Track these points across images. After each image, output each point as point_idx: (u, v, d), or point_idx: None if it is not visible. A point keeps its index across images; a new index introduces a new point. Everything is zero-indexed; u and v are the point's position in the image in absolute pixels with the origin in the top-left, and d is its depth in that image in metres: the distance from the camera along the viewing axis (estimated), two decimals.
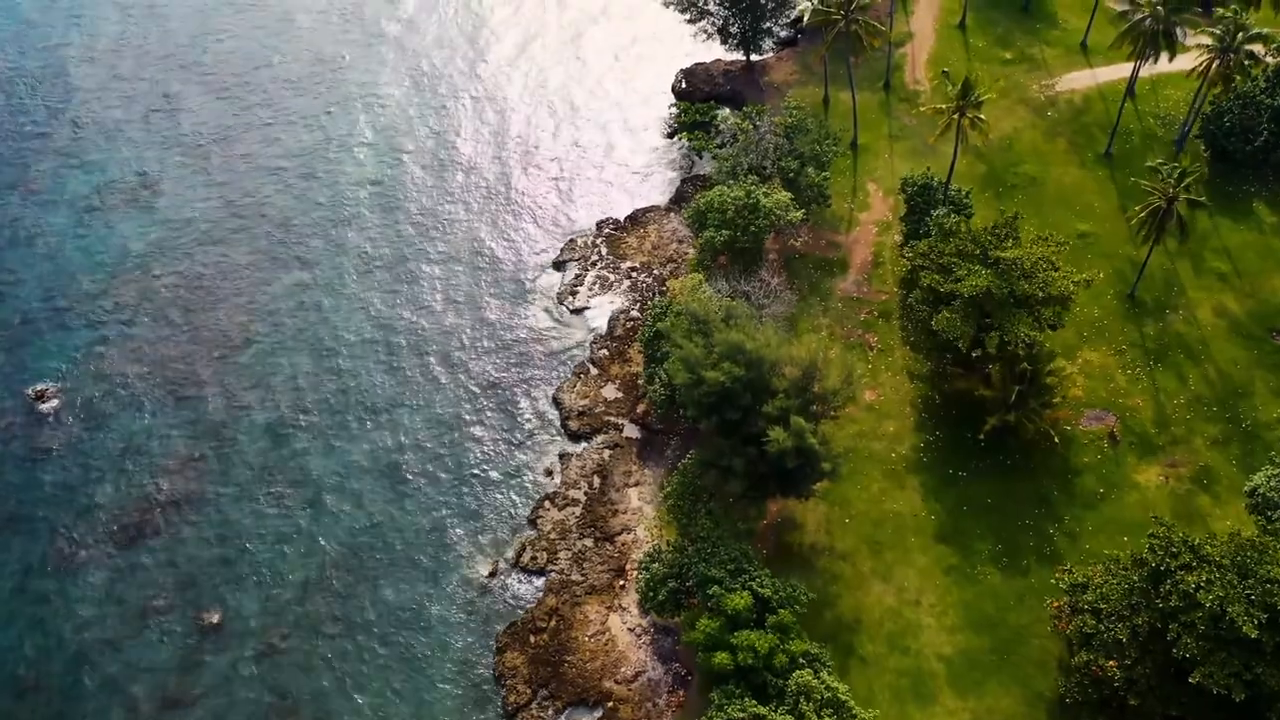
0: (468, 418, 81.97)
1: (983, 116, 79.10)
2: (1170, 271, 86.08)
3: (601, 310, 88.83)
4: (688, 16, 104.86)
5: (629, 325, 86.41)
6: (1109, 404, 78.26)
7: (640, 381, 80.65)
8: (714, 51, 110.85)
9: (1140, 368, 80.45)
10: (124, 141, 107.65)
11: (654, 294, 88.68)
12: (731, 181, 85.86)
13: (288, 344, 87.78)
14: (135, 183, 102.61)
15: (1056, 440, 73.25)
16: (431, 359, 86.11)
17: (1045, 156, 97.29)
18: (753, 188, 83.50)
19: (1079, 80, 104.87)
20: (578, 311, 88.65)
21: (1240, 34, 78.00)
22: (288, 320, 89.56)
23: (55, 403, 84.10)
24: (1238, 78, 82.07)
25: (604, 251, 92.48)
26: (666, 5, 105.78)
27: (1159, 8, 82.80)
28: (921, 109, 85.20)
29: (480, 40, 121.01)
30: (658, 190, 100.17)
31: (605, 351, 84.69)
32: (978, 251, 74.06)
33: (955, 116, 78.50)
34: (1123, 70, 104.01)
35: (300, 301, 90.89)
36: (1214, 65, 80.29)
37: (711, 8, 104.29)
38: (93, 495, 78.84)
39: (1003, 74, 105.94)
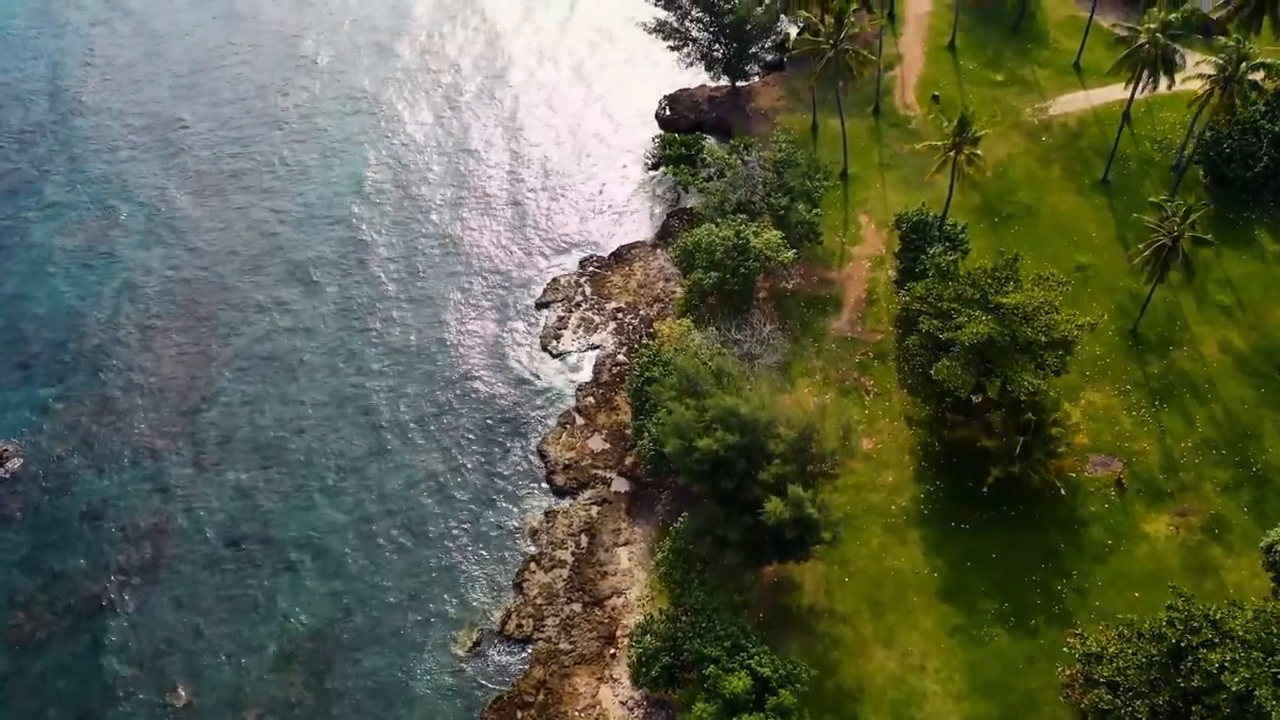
0: (448, 473, 78.46)
1: (979, 153, 76.11)
2: (1173, 305, 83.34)
3: (587, 354, 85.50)
4: (670, 44, 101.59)
5: (615, 370, 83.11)
6: (1114, 448, 75.44)
7: (628, 432, 77.37)
8: (699, 76, 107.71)
9: (1145, 409, 77.70)
10: (90, 181, 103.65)
11: (641, 336, 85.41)
12: (719, 219, 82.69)
13: (257, 396, 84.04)
14: (102, 225, 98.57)
15: (1062, 491, 70.38)
16: (408, 411, 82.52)
17: (1040, 184, 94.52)
18: (741, 227, 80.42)
19: (1073, 103, 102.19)
20: (562, 356, 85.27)
21: (1243, 64, 75.28)
22: (257, 371, 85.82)
23: (15, 463, 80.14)
24: (1239, 106, 79.32)
25: (588, 291, 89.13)
26: (650, 32, 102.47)
27: (1158, 35, 80.00)
28: (917, 147, 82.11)
29: (461, 67, 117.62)
30: (642, 224, 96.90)
31: (591, 399, 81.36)
32: (977, 296, 71.16)
33: (951, 154, 75.41)
34: (1117, 91, 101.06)
35: (270, 350, 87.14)
36: (1215, 95, 77.53)
37: (695, 34, 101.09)
38: (54, 563, 74.95)
39: (994, 97, 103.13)
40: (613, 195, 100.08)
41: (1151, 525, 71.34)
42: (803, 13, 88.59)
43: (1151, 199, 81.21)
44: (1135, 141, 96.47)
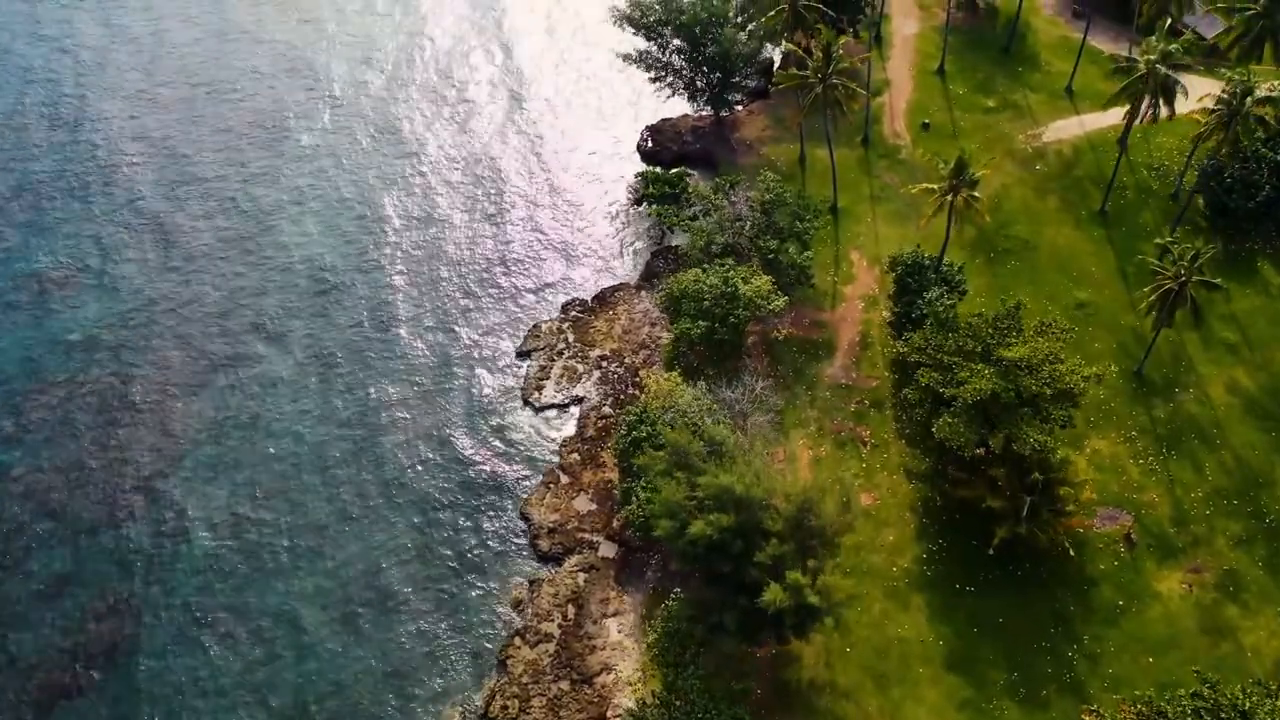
0: (426, 539, 74.53)
1: (977, 195, 72.89)
2: (1177, 344, 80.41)
3: (571, 407, 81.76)
4: (652, 75, 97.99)
5: (601, 424, 79.41)
6: (1122, 500, 72.40)
7: (615, 491, 73.75)
8: (682, 105, 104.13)
9: (1153, 457, 74.70)
10: (44, 230, 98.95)
11: (626, 386, 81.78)
12: (706, 265, 79.19)
13: (223, 459, 79.77)
14: (62, 275, 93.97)
15: (1070, 551, 67.21)
16: (384, 470, 78.45)
17: (1037, 216, 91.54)
18: (730, 273, 76.95)
19: (1066, 129, 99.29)
20: (545, 409, 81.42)
21: (1248, 98, 72.37)
22: (223, 431, 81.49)
23: None
24: (1243, 140, 76.48)
25: (571, 338, 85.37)
26: (628, 63, 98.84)
27: (1158, 66, 77.01)
28: (913, 191, 78.84)
29: (433, 100, 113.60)
30: (626, 264, 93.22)
31: (576, 455, 77.64)
32: (979, 349, 67.96)
33: (948, 198, 72.15)
34: (1111, 116, 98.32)
35: (237, 409, 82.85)
36: (1218, 130, 74.59)
37: (676, 63, 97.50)
38: (9, 646, 70.50)
39: (986, 124, 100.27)
40: (594, 234, 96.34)
41: (1164, 583, 68.33)
42: (788, 45, 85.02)
43: (1157, 240, 78.42)
44: (1132, 169, 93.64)
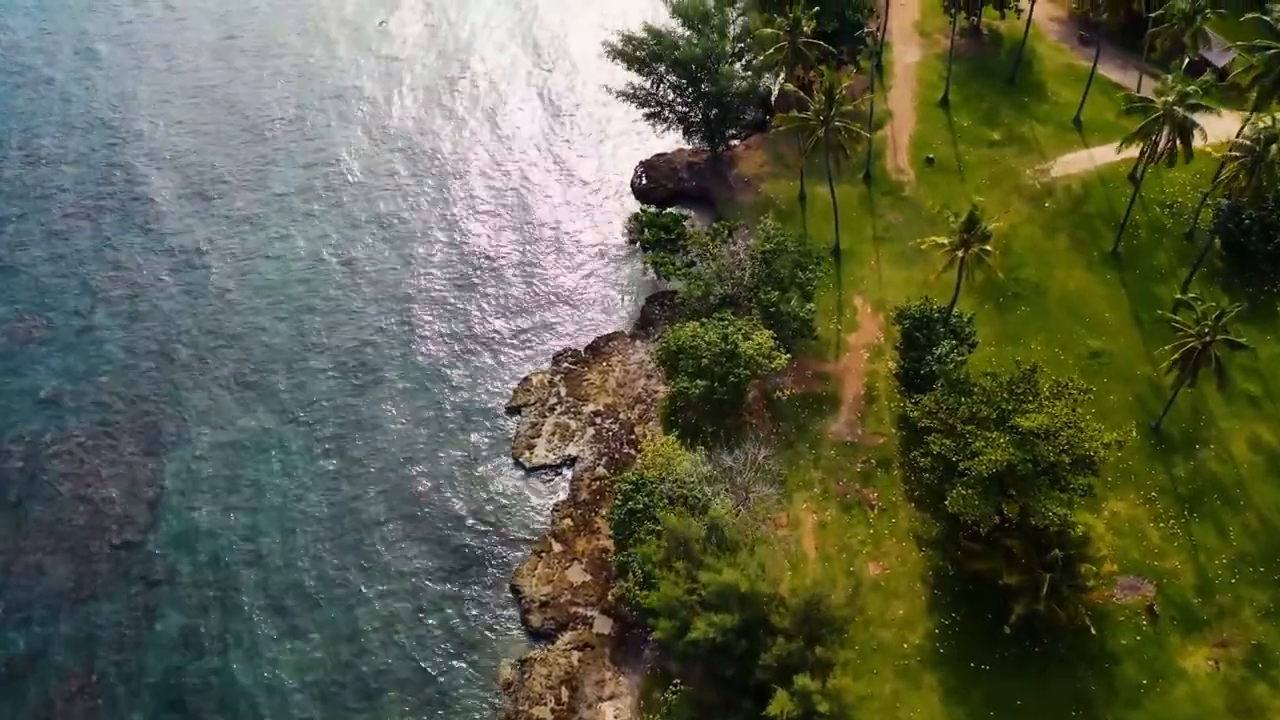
0: (412, 613, 70.74)
1: (990, 248, 69.32)
2: (1196, 397, 76.86)
3: (563, 468, 77.94)
4: (646, 111, 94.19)
5: (595, 486, 75.69)
6: (1143, 567, 68.96)
7: (610, 560, 70.01)
8: (677, 139, 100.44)
9: (1174, 519, 71.26)
10: (15, 269, 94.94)
11: (622, 444, 78.10)
12: (704, 319, 75.50)
13: (199, 524, 75.88)
14: (24, 325, 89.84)
15: (1091, 630, 63.65)
16: (368, 538, 74.62)
17: (1046, 257, 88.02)
18: (729, 329, 73.26)
19: (1075, 163, 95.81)
20: (536, 470, 77.62)
21: (1273, 145, 68.91)
22: (199, 493, 77.59)
23: None
24: (1266, 185, 73.05)
25: (563, 392, 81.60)
26: (620, 98, 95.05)
27: (1176, 108, 73.52)
28: (922, 247, 75.25)
29: (423, 135, 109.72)
30: (620, 311, 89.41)
31: (569, 521, 73.91)
32: (993, 415, 64.37)
33: (959, 253, 68.55)
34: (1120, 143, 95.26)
35: (213, 469, 78.92)
36: (1241, 178, 71.11)
37: (671, 98, 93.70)
38: None
39: (991, 158, 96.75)
40: (587, 277, 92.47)
41: (1189, 659, 64.91)
42: (788, 86, 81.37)
43: (1178, 295, 74.78)
44: (1144, 206, 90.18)
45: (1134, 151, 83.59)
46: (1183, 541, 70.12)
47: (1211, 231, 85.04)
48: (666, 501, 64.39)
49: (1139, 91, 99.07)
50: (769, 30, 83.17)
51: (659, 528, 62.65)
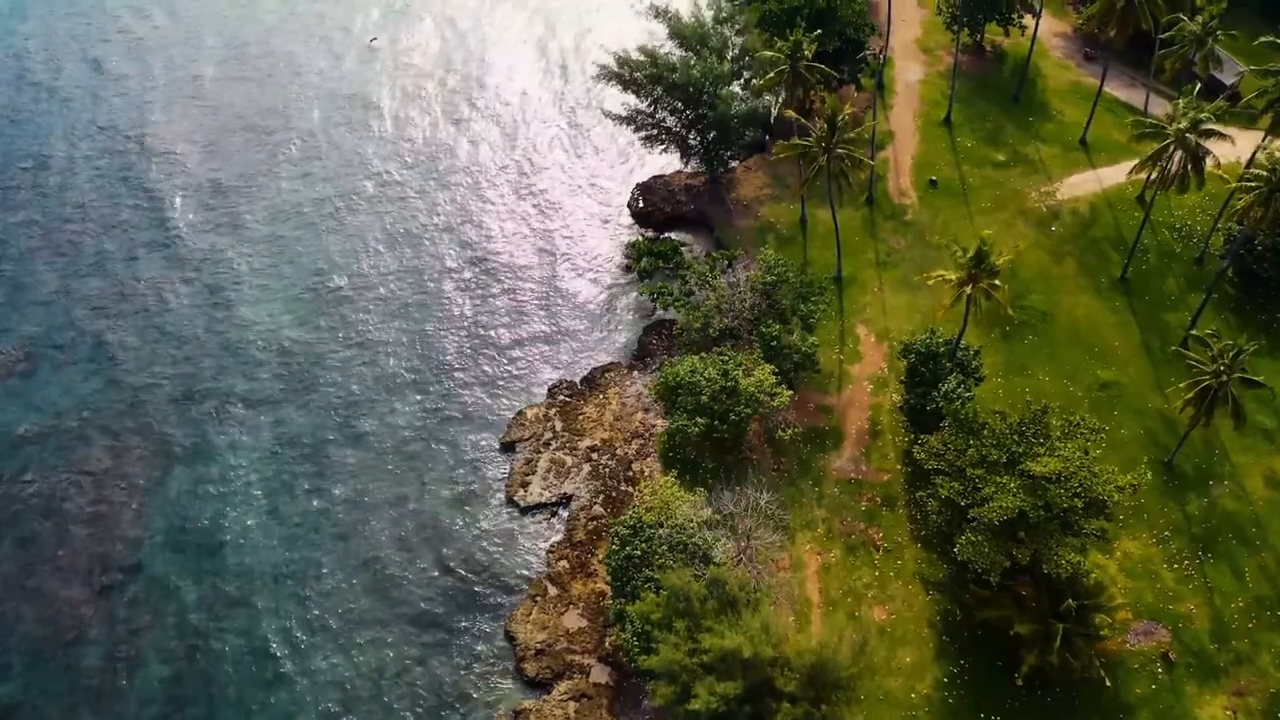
0: (403, 661, 68.44)
1: (999, 283, 67.15)
2: (1209, 430, 74.21)
3: (559, 507, 75.57)
4: (643, 134, 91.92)
5: (591, 526, 73.44)
6: (1157, 611, 66.81)
7: (607, 604, 67.78)
8: (675, 160, 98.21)
9: (1189, 560, 69.16)
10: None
11: (619, 481, 75.86)
12: (703, 354, 73.31)
13: (185, 566, 73.52)
14: (8, 353, 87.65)
15: (1106, 681, 61.46)
16: (355, 583, 72.21)
17: (1053, 283, 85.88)
18: (730, 364, 71.05)
19: (1082, 184, 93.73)
20: (530, 510, 75.29)
21: None
22: (181, 535, 75.22)
23: None
24: None
25: (558, 426, 79.31)
26: (616, 121, 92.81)
27: (1189, 135, 71.39)
28: (929, 283, 73.04)
29: (411, 154, 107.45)
30: (616, 341, 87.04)
31: (565, 563, 71.66)
32: (1003, 459, 62.21)
33: (967, 288, 66.38)
34: (1129, 170, 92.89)
35: (196, 510, 76.48)
36: (1257, 208, 68.97)
37: (668, 121, 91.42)
38: None
39: (996, 179, 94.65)
40: (582, 305, 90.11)
41: (1206, 709, 62.77)
42: (790, 113, 79.17)
43: (1194, 332, 72.72)
44: (1153, 230, 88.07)
45: (1143, 173, 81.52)
46: (1198, 584, 68.02)
47: (1223, 257, 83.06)
48: (665, 548, 62.15)
49: (1146, 109, 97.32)
50: (769, 53, 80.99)
51: (657, 575, 60.51)
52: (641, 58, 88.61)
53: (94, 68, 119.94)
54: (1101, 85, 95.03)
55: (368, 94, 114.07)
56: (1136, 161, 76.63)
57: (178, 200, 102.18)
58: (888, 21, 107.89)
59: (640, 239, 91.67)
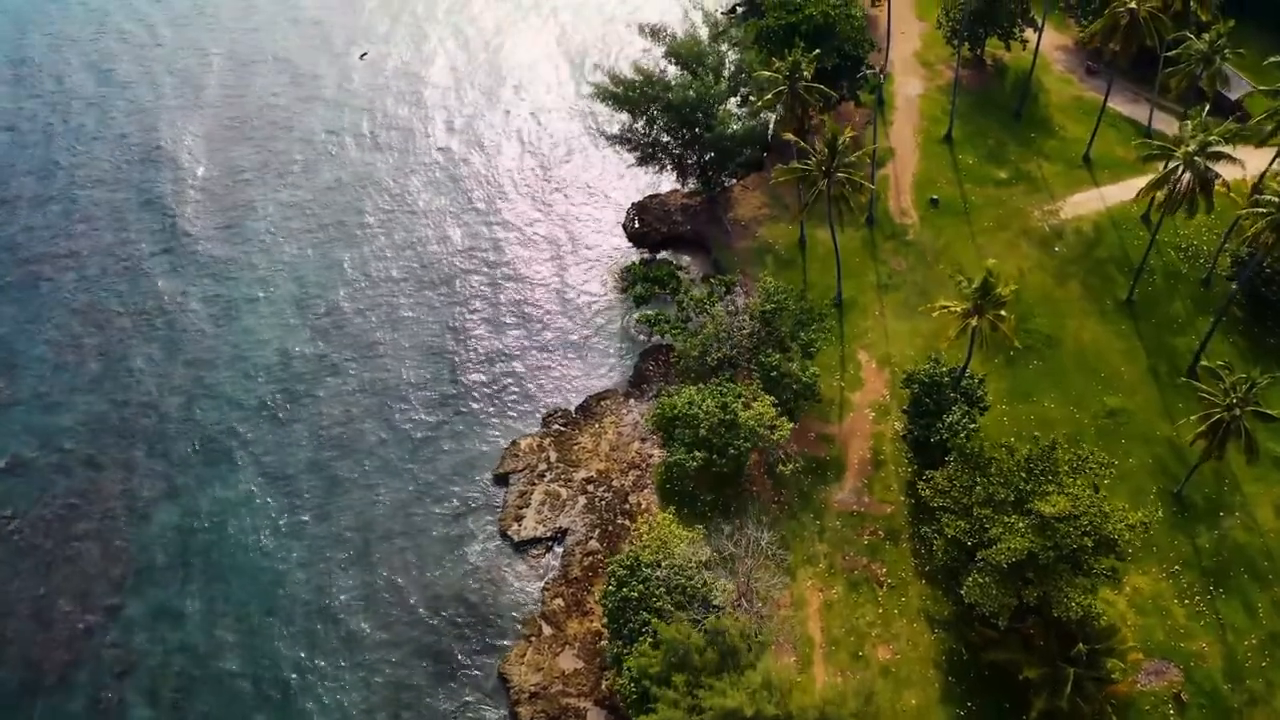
0: (394, 706, 66.39)
1: (1004, 314, 65.40)
2: (1219, 460, 73.05)
3: (554, 543, 73.61)
4: (637, 155, 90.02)
5: (587, 562, 71.57)
6: (1168, 649, 65.10)
7: (604, 644, 65.92)
8: (671, 178, 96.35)
9: (1200, 595, 67.46)
10: None
11: (615, 514, 74.00)
12: (701, 384, 71.52)
13: (171, 603, 71.55)
14: None
15: None
16: (345, 621, 70.21)
17: (1058, 306, 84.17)
18: (728, 396, 69.24)
19: (1086, 203, 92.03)
20: (525, 545, 73.37)
21: None
22: (170, 570, 73.26)
23: None
24: None
25: (553, 457, 77.43)
26: (611, 142, 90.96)
27: (1196, 159, 69.70)
28: (933, 315, 71.25)
29: (401, 172, 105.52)
30: (612, 367, 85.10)
31: (560, 600, 69.78)
32: (1011, 498, 60.46)
33: (972, 320, 64.59)
34: (1133, 187, 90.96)
35: (182, 546, 74.46)
36: (1268, 234, 67.26)
37: (664, 140, 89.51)
38: None
39: (998, 198, 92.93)
40: (577, 330, 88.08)
41: None
42: (788, 136, 77.36)
43: (1204, 363, 70.91)
44: (1159, 250, 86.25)
45: (1149, 195, 79.82)
46: (1209, 620, 66.33)
47: (1230, 279, 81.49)
48: (663, 590, 60.34)
49: (1150, 124, 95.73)
50: (768, 73, 79.17)
51: (654, 619, 58.74)
52: (636, 77, 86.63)
53: (97, 79, 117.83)
54: (1105, 102, 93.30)
55: (349, 115, 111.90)
56: (1142, 185, 75.05)
57: (171, 218, 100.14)
58: (887, 35, 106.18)
59: (636, 262, 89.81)
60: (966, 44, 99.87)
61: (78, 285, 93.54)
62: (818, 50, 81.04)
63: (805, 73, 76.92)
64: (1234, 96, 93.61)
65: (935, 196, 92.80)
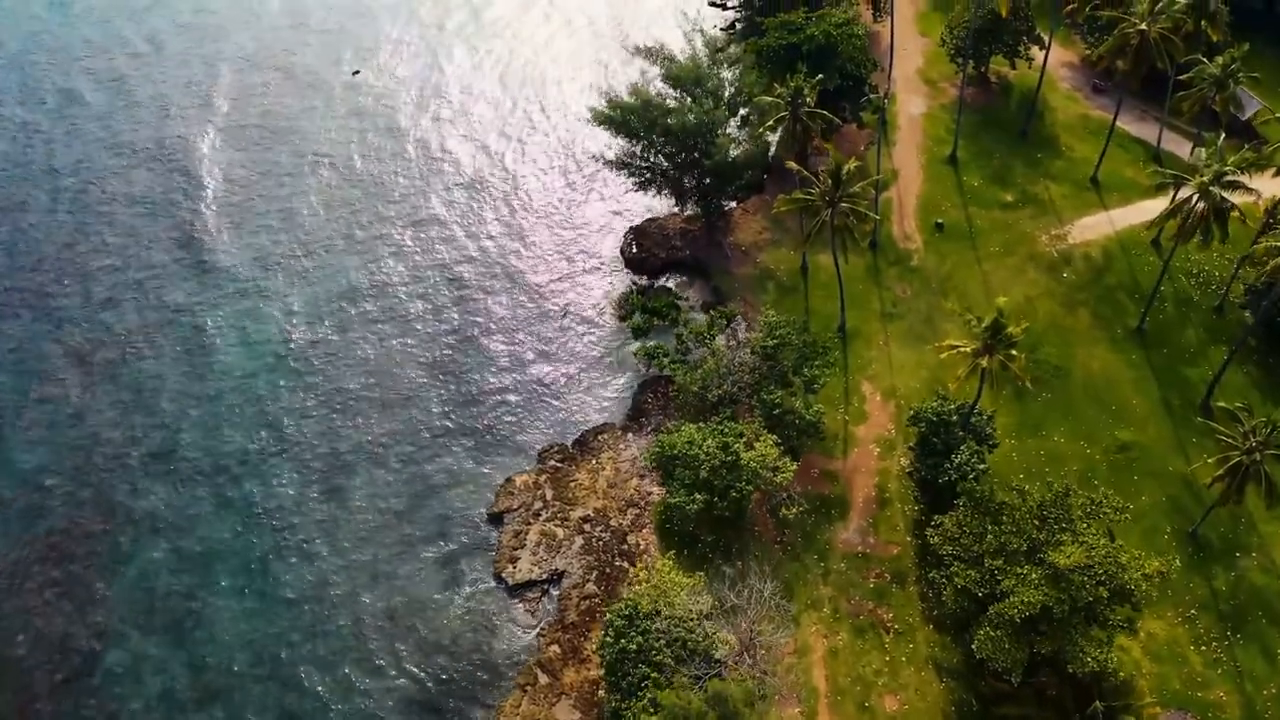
0: None
1: (1015, 353, 63.21)
2: (1238, 505, 70.83)
3: (550, 586, 71.28)
4: (635, 180, 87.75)
5: (584, 606, 69.30)
6: (1185, 699, 62.90)
7: (601, 701, 63.57)
8: (669, 201, 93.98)
9: (1217, 641, 65.28)
10: None
11: (614, 555, 71.75)
12: (702, 423, 69.31)
13: (152, 653, 69.05)
14: None
15: None
16: (330, 670, 67.62)
17: (1067, 335, 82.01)
18: (730, 436, 67.04)
19: (1094, 226, 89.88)
20: (520, 589, 71.03)
21: None
22: (151, 617, 70.81)
23: None
24: None
25: (549, 495, 75.15)
26: (608, 167, 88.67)
27: (1212, 188, 67.55)
28: (941, 356, 69.05)
29: (389, 192, 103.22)
30: (610, 399, 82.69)
31: (556, 647, 67.50)
32: (1024, 547, 58.30)
33: (982, 360, 62.41)
34: (1142, 211, 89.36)
35: (167, 587, 72.05)
36: None
37: (662, 164, 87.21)
38: None
39: (1005, 221, 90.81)
40: (574, 359, 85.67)
41: None
42: (791, 165, 75.13)
43: (1222, 403, 68.79)
44: (1170, 276, 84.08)
45: (1158, 209, 77.65)
46: (1227, 668, 64.17)
47: (1244, 307, 79.46)
48: (663, 643, 58.14)
49: (1159, 144, 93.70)
50: (769, 99, 76.95)
51: (653, 673, 56.60)
52: (633, 100, 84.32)
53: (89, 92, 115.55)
54: (1114, 122, 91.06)
55: (341, 136, 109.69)
56: (1151, 206, 73.08)
57: (150, 246, 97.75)
58: (890, 51, 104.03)
59: (634, 290, 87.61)
60: (971, 62, 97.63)
61: (57, 317, 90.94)
62: (820, 76, 78.75)
63: (808, 99, 74.68)
64: (1244, 116, 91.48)
65: (940, 220, 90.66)
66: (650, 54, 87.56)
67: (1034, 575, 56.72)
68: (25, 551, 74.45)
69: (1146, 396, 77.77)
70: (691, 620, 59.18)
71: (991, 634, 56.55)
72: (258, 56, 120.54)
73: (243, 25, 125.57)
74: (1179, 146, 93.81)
